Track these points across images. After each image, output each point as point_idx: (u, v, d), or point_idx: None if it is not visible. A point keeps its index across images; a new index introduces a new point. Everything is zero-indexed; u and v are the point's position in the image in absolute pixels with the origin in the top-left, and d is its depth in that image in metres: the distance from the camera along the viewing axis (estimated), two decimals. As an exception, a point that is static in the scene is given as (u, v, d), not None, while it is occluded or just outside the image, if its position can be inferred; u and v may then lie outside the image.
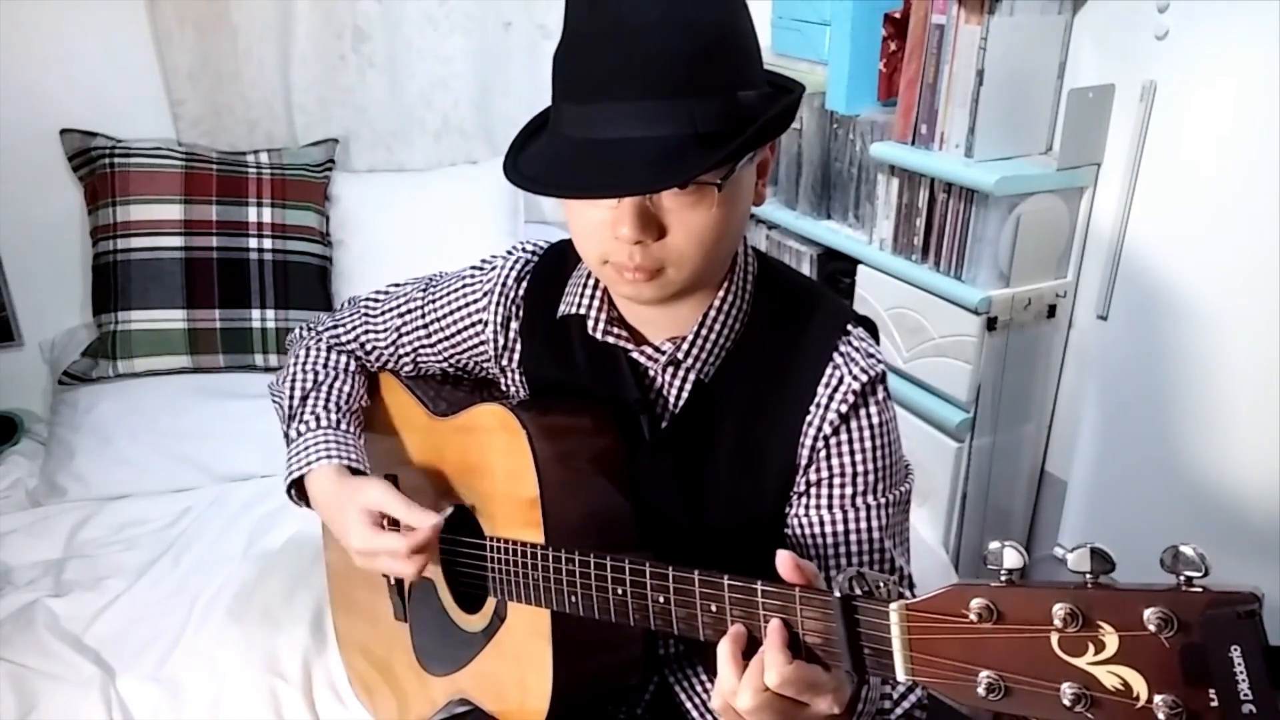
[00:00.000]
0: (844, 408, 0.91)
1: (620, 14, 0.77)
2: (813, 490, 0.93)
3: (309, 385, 1.12)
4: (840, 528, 0.93)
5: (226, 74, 2.10)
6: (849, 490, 0.92)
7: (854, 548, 0.93)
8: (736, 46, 0.81)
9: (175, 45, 2.04)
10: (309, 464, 1.05)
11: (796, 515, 0.95)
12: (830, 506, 0.93)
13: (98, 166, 1.97)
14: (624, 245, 0.83)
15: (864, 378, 0.91)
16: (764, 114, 0.80)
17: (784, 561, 0.72)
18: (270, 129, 2.19)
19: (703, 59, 0.77)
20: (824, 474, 0.93)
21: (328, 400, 1.11)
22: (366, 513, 0.99)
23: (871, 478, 0.93)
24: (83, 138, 1.99)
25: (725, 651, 0.73)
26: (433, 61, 2.26)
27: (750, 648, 0.73)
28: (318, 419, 1.09)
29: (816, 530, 0.93)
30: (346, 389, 1.13)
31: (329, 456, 1.05)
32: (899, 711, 0.92)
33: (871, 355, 0.94)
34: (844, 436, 0.92)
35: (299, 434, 1.08)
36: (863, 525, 0.93)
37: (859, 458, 0.92)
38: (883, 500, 0.93)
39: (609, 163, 0.78)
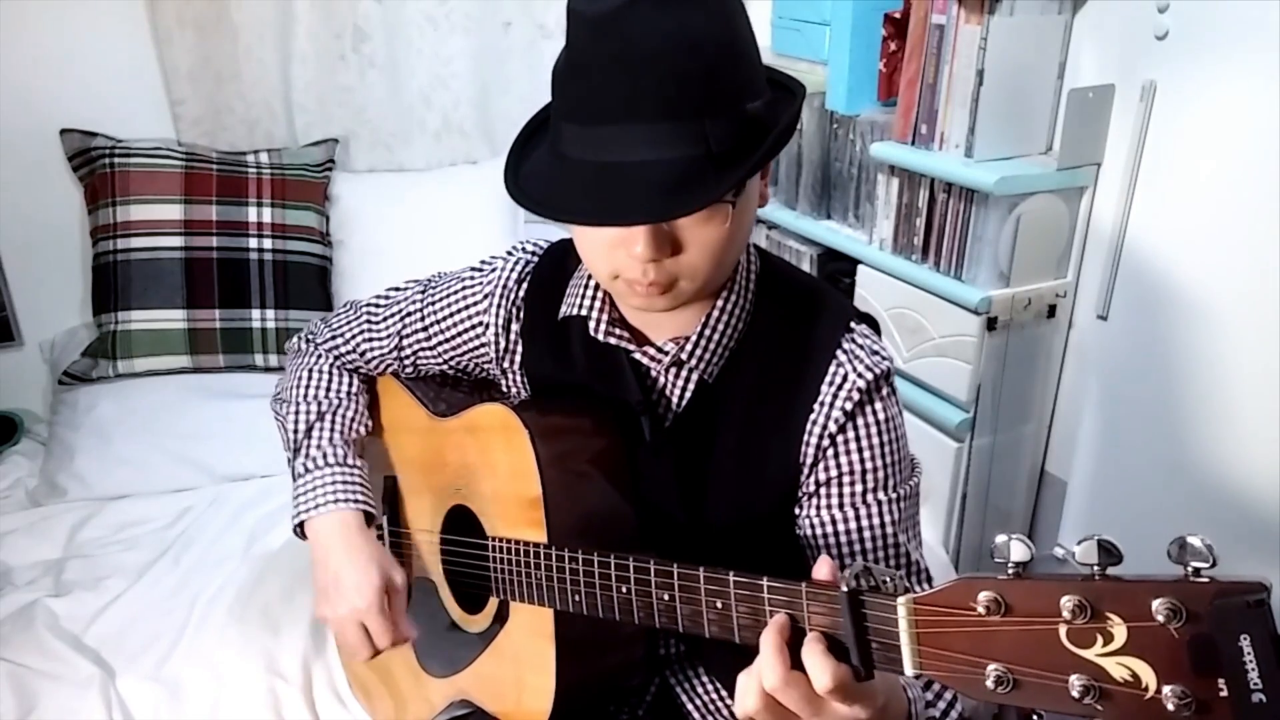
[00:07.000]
0: (849, 405, 0.91)
1: (626, 35, 0.76)
2: (822, 490, 0.93)
3: (314, 415, 1.12)
4: (853, 525, 0.92)
5: (226, 74, 2.10)
6: (859, 488, 0.92)
7: (868, 544, 0.93)
8: (742, 58, 0.81)
9: (175, 45, 2.04)
10: (316, 506, 1.06)
11: (808, 516, 0.94)
12: (841, 505, 0.93)
13: (98, 166, 1.97)
14: (637, 263, 0.82)
15: (869, 375, 0.91)
16: (773, 125, 0.81)
17: (826, 569, 0.69)
18: (270, 129, 2.18)
19: (712, 77, 0.77)
20: (833, 473, 0.92)
21: (333, 431, 1.11)
22: (384, 583, 1.02)
23: (881, 474, 0.92)
24: (83, 138, 1.99)
25: (771, 641, 0.68)
26: (433, 61, 2.26)
27: (794, 638, 0.68)
28: (324, 455, 1.09)
29: (829, 530, 0.93)
30: (351, 414, 1.14)
31: (337, 501, 1.06)
32: None
33: (877, 352, 0.93)
34: (850, 434, 0.91)
35: (306, 470, 1.08)
36: (875, 522, 0.92)
37: (866, 455, 0.92)
38: (893, 495, 0.93)
39: (625, 187, 0.78)
